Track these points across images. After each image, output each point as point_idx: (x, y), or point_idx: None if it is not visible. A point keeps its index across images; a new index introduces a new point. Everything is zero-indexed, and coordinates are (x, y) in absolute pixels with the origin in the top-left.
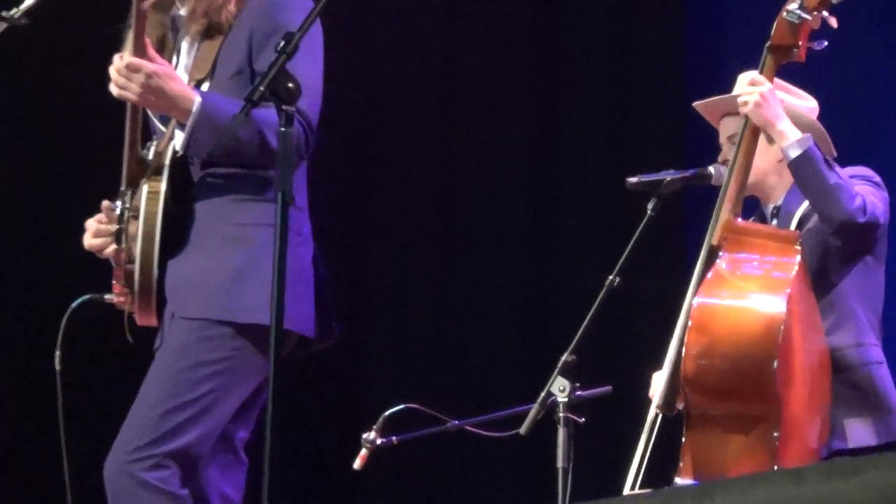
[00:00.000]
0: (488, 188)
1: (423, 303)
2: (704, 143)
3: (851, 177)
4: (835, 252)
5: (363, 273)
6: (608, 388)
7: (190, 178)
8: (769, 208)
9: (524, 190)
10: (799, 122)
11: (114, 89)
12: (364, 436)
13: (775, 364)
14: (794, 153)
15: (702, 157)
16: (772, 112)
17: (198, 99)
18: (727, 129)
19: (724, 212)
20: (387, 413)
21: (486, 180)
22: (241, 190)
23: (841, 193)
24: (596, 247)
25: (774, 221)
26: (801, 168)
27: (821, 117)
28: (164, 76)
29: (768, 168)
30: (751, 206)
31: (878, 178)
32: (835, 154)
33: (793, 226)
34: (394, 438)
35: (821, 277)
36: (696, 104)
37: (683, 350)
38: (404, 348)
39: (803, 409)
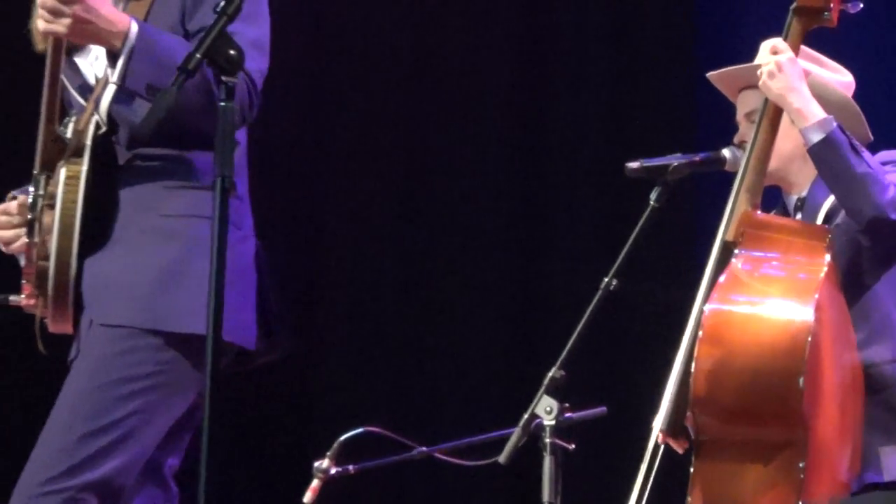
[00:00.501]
0: (464, 177)
1: (386, 310)
2: (718, 123)
3: (885, 163)
4: (868, 252)
5: (315, 276)
6: (602, 409)
7: (115, 160)
8: (792, 200)
9: (506, 179)
10: (829, 100)
11: (40, 24)
12: (316, 464)
13: (802, 381)
14: (815, 137)
15: (715, 139)
16: (789, 85)
17: (134, 24)
18: (746, 104)
19: (742, 203)
20: (343, 438)
21: (461, 168)
22: (174, 175)
23: (870, 185)
24: (590, 244)
25: (798, 215)
26: (823, 155)
27: (857, 95)
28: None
29: (792, 152)
30: (772, 197)
31: None
32: (870, 138)
33: (819, 221)
34: (350, 467)
35: (852, 281)
36: (710, 75)
37: (693, 364)
38: (364, 363)
39: (833, 435)
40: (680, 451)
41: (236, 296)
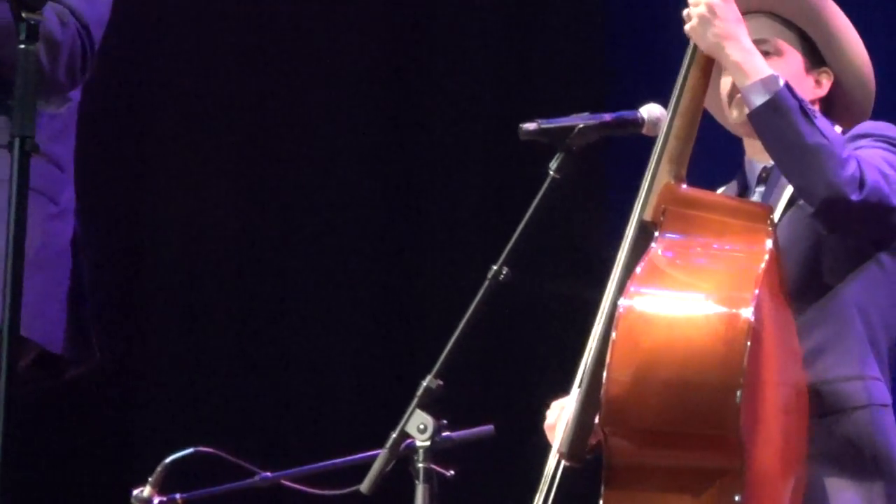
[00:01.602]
0: (319, 149)
1: (224, 310)
2: (634, 77)
3: (862, 135)
4: (832, 241)
5: (139, 275)
6: (489, 427)
7: None
8: (756, 168)
9: (373, 150)
10: (851, 58)
11: None
12: (135, 492)
13: (739, 396)
14: (758, 99)
15: (630, 98)
16: (727, 32)
17: None
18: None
19: (662, 174)
20: (168, 460)
21: (315, 139)
22: None
23: (824, 158)
24: (475, 226)
25: (760, 189)
26: (766, 122)
27: None
28: None
29: None
30: (730, 163)
31: None
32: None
33: (784, 198)
34: (178, 496)
35: (811, 275)
36: None
37: (605, 373)
38: (197, 371)
39: (775, 464)
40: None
41: (42, 283)
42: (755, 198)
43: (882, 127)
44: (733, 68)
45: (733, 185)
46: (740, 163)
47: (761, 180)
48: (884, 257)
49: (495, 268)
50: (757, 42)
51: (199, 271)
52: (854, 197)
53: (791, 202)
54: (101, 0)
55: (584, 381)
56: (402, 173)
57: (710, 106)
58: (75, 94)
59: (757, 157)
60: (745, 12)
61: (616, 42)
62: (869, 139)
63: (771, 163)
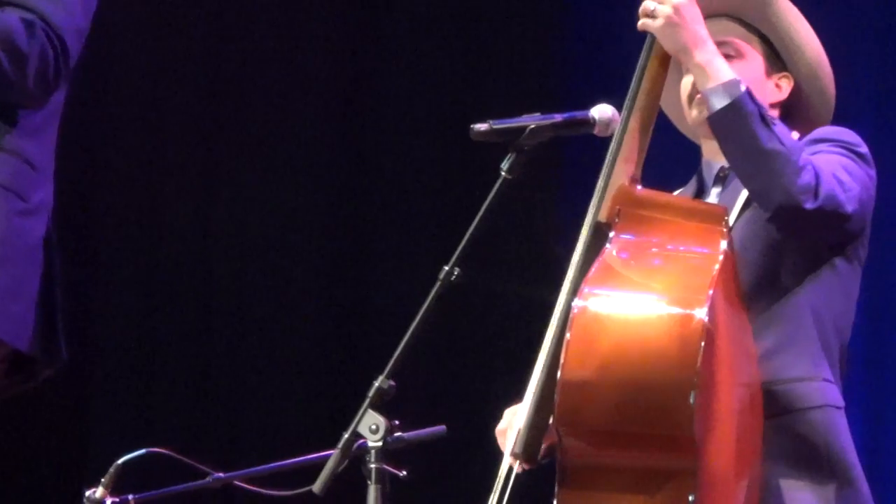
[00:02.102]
0: (270, 148)
1: (177, 310)
2: (588, 77)
3: (820, 140)
4: (788, 245)
5: (92, 277)
6: (441, 427)
7: None
8: (714, 169)
9: (323, 150)
10: (801, 56)
11: None
12: (87, 493)
13: (693, 397)
14: (718, 102)
15: (584, 97)
16: (690, 34)
17: None
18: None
19: (618, 175)
20: (120, 461)
21: (266, 140)
22: None
23: (780, 165)
24: (427, 225)
25: (717, 189)
26: (725, 125)
27: None
28: None
29: None
30: (685, 163)
31: (863, 148)
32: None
33: (740, 200)
34: (130, 497)
35: (766, 278)
36: None
37: (558, 374)
38: (150, 371)
39: (730, 465)
40: (520, 470)
41: (8, 279)
42: (712, 199)
43: (839, 132)
44: (696, 70)
45: (690, 186)
46: (697, 164)
47: (718, 181)
48: (838, 262)
49: (447, 268)
50: (719, 44)
51: (152, 273)
52: (808, 205)
53: (747, 203)
54: (79, 9)
55: (539, 382)
56: (355, 173)
57: (666, 109)
58: (56, 97)
59: (714, 158)
60: (708, 15)
61: (569, 42)
62: (826, 144)
63: (728, 164)
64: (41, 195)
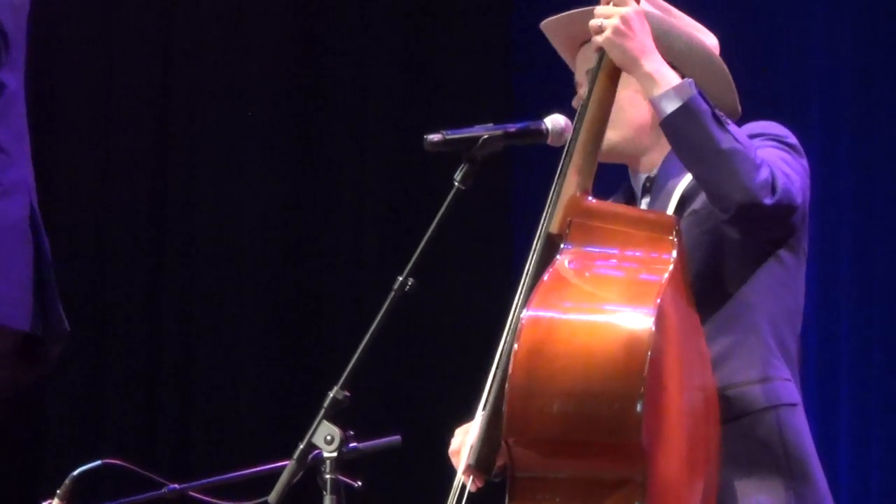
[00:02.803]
0: (218, 156)
1: (130, 324)
2: (540, 86)
3: (753, 136)
4: (733, 245)
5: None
6: (396, 437)
7: None
8: (641, 179)
9: (273, 158)
10: (687, 57)
11: None
12: None
13: (640, 406)
14: (670, 106)
15: (536, 107)
16: (638, 45)
17: None
18: (589, 60)
19: (569, 186)
20: (76, 472)
21: (215, 146)
22: None
23: (738, 163)
24: (381, 235)
25: (646, 199)
26: (680, 128)
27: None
28: None
29: (640, 121)
30: (614, 176)
31: (793, 139)
32: (739, 111)
33: (671, 207)
34: None
35: (712, 282)
36: (545, 24)
37: (507, 384)
38: (103, 381)
39: (681, 472)
40: (474, 488)
41: None
42: (642, 208)
43: (769, 126)
44: (645, 79)
45: (619, 197)
46: (624, 175)
47: (646, 191)
48: (784, 255)
49: (401, 279)
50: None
51: (104, 279)
52: (767, 201)
53: (677, 210)
54: None
55: (492, 394)
56: (307, 183)
57: None
58: (10, 81)
59: (640, 169)
60: (584, 41)
61: (521, 53)
62: (759, 139)
63: (654, 173)
64: (13, 176)
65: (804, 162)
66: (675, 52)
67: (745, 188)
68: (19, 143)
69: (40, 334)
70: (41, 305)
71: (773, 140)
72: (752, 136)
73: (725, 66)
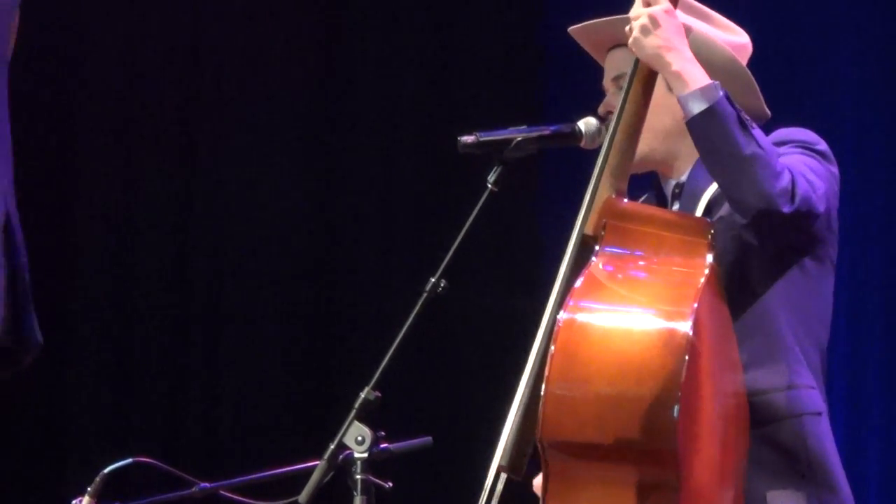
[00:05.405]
0: (250, 160)
1: (156, 315)
2: (572, 90)
3: (781, 143)
4: (757, 252)
5: (69, 283)
6: (427, 438)
7: None
8: (670, 185)
9: (304, 161)
10: (712, 62)
11: None
12: (74, 503)
13: (676, 410)
14: (696, 107)
15: (568, 109)
16: (667, 43)
17: None
18: (616, 66)
19: (604, 188)
20: (106, 470)
21: (245, 149)
22: None
23: (759, 168)
24: (413, 237)
25: (676, 205)
26: (704, 130)
27: (753, 61)
28: None
29: (672, 127)
30: (643, 182)
31: (823, 146)
32: (768, 114)
33: (699, 212)
34: None
35: (739, 288)
36: (572, 29)
37: (543, 387)
38: (132, 378)
39: (712, 477)
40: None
41: None
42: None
43: (797, 132)
44: (673, 78)
45: (648, 202)
46: (653, 180)
47: (675, 196)
48: (807, 262)
49: (433, 280)
50: (617, 78)
51: (132, 280)
52: (786, 209)
53: (704, 216)
54: None
55: (525, 395)
56: (337, 185)
57: None
58: None
59: (669, 176)
60: (612, 46)
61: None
62: (787, 146)
63: (683, 178)
64: None
65: (833, 169)
66: (699, 58)
67: (763, 194)
68: None
69: (10, 346)
70: (11, 317)
71: (801, 146)
72: (780, 143)
73: (750, 74)
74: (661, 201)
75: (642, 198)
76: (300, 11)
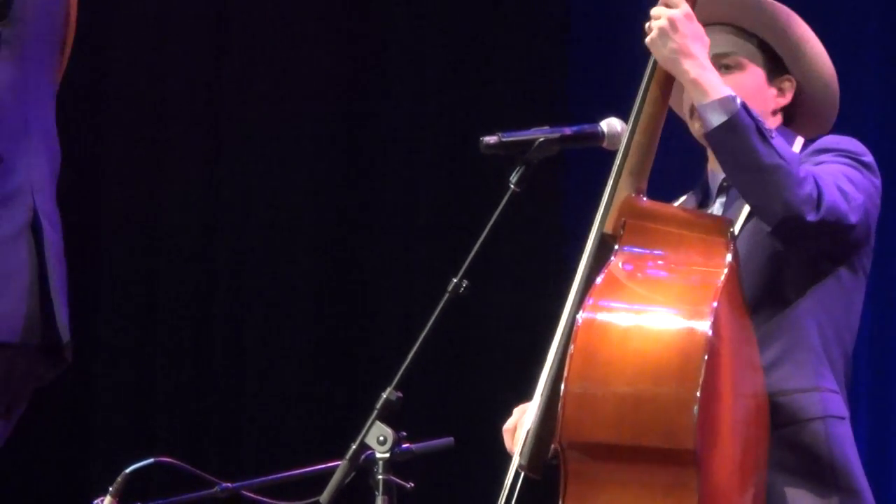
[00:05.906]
0: (272, 158)
1: (180, 315)
2: (594, 90)
3: (823, 150)
4: (788, 257)
5: (95, 276)
6: (449, 439)
7: None
8: (718, 179)
9: (325, 159)
10: (824, 77)
11: None
12: (95, 502)
13: (696, 410)
14: (715, 119)
15: (591, 110)
16: (684, 49)
17: None
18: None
19: (623, 187)
20: (129, 470)
21: (267, 148)
22: None
23: (781, 178)
24: (434, 238)
25: (721, 199)
26: (724, 142)
27: None
28: None
29: None
30: (690, 172)
31: (868, 157)
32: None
33: (744, 211)
34: None
35: (768, 291)
36: None
37: (562, 386)
38: (153, 378)
39: (732, 477)
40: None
41: None
42: (716, 208)
43: (843, 141)
44: (690, 85)
45: (694, 195)
46: (699, 174)
47: (722, 191)
48: (842, 271)
49: (456, 280)
50: (719, 56)
51: (154, 281)
52: (810, 217)
53: (751, 215)
54: None
55: (544, 394)
56: (359, 184)
57: (680, 112)
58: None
59: (718, 168)
60: (706, 24)
61: (577, 54)
62: (830, 154)
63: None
64: (12, 183)
65: (876, 181)
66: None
67: (786, 203)
68: (16, 144)
69: (37, 343)
70: (40, 316)
71: (844, 156)
72: (824, 150)
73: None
74: (706, 196)
75: (683, 198)
76: (328, 13)
